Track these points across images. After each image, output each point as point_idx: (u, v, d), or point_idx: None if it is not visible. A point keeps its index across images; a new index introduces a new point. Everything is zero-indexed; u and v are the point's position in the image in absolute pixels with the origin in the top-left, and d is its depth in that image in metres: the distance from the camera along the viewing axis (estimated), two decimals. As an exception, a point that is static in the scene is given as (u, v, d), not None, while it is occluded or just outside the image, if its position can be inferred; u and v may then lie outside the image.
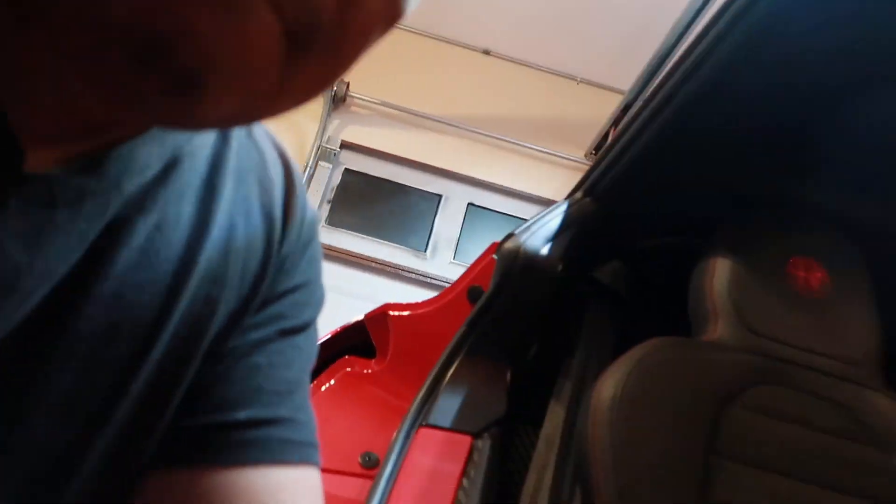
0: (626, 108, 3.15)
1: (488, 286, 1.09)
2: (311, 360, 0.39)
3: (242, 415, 0.34)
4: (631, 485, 0.71)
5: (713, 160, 1.01)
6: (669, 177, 1.03)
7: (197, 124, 0.24)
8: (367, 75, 3.50)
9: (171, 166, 0.31)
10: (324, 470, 0.38)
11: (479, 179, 3.49)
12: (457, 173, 3.48)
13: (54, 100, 0.23)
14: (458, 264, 3.31)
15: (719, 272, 0.93)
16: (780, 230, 0.97)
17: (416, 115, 3.50)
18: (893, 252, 1.04)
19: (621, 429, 0.74)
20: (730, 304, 0.89)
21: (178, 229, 0.31)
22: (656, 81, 0.92)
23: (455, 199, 3.48)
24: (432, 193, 3.47)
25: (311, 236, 0.41)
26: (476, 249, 1.18)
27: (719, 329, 0.88)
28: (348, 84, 3.45)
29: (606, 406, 0.76)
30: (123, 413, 0.30)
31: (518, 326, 1.08)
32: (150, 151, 0.29)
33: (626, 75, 3.13)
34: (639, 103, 0.95)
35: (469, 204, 3.48)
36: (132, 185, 0.28)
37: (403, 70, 3.59)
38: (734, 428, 0.79)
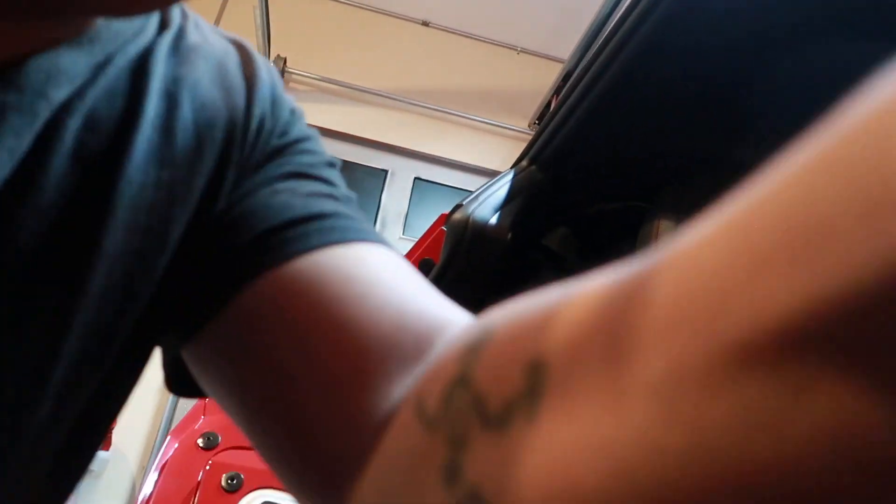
0: (566, 77, 3.18)
1: (439, 258, 1.09)
2: (347, 194, 0.37)
3: (283, 219, 0.32)
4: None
5: (654, 124, 1.02)
6: (612, 142, 1.05)
7: None
8: (304, 51, 3.42)
9: (101, 66, 0.29)
10: None
11: (424, 153, 3.47)
12: (402, 148, 3.45)
13: None
14: (408, 239, 3.30)
15: (663, 234, 0.95)
16: (720, 191, 1.00)
17: (357, 90, 3.45)
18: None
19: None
20: (675, 264, 0.92)
21: (110, 123, 0.30)
22: (595, 49, 0.92)
23: (401, 174, 3.45)
24: (378, 169, 3.44)
25: (291, 104, 0.39)
26: (425, 223, 1.18)
27: (665, 289, 0.90)
28: (285, 60, 3.36)
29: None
30: (82, 319, 0.28)
31: (470, 296, 1.09)
32: (77, 59, 0.28)
33: (566, 44, 3.14)
34: (579, 71, 0.95)
35: (416, 178, 3.47)
36: (60, 93, 0.27)
37: (342, 44, 3.52)
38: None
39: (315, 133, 0.40)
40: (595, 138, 1.02)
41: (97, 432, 0.33)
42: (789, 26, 0.82)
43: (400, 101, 3.48)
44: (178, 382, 0.36)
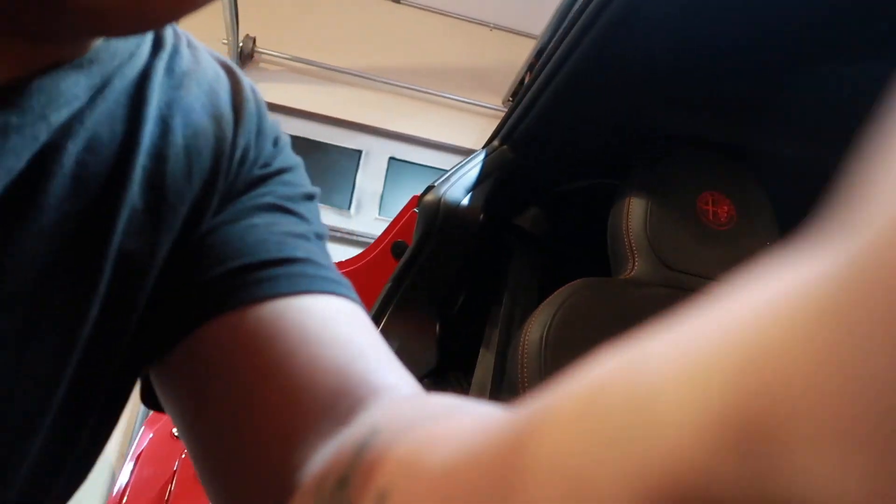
0: (540, 53, 3.16)
1: (412, 240, 1.09)
2: (319, 231, 0.38)
3: (256, 258, 0.33)
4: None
5: (624, 102, 1.02)
6: (582, 120, 1.05)
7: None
8: (274, 30, 3.36)
9: (99, 90, 0.30)
10: None
11: (399, 133, 3.44)
12: (376, 127, 3.42)
13: None
14: (384, 220, 3.29)
15: (634, 211, 0.96)
16: (689, 167, 1.01)
17: (328, 69, 3.40)
18: (792, 180, 1.10)
19: (549, 369, 0.77)
20: (645, 242, 0.93)
21: (110, 148, 0.30)
22: (563, 28, 0.91)
23: (376, 154, 3.43)
24: (352, 150, 3.41)
25: (276, 133, 0.40)
26: (401, 204, 1.18)
27: (637, 266, 0.91)
28: (255, 39, 3.30)
29: (533, 349, 0.78)
30: (81, 348, 0.30)
31: (444, 278, 1.09)
32: (77, 81, 0.28)
33: (539, 20, 3.12)
34: (548, 51, 0.95)
35: (390, 158, 3.44)
36: (60, 115, 0.28)
37: (312, 23, 3.46)
38: (654, 359, 0.82)
39: (298, 163, 0.41)
40: (565, 117, 1.02)
41: (96, 444, 0.34)
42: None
43: (373, 79, 3.44)
44: (151, 396, 0.37)
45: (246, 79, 0.40)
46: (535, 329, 0.80)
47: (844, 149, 1.04)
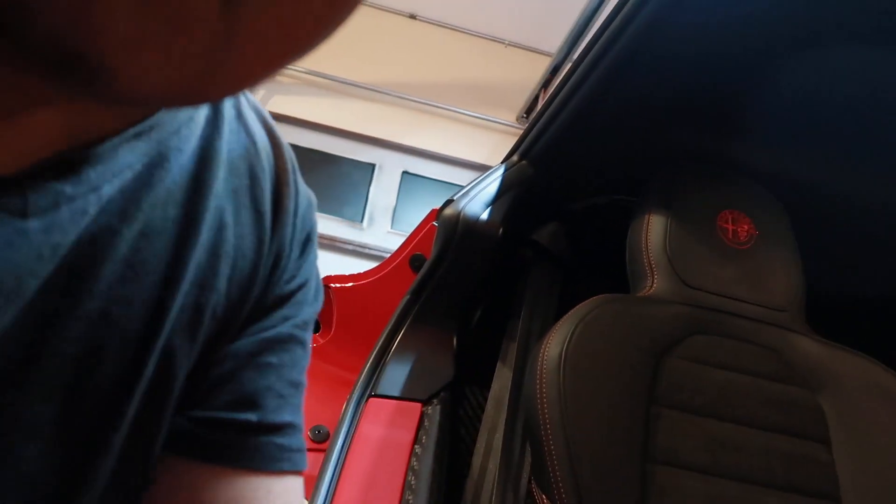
0: (555, 70, 3.18)
1: (430, 253, 1.09)
2: (309, 358, 0.39)
3: (254, 417, 0.34)
4: (579, 439, 0.74)
5: (643, 120, 1.03)
6: (602, 137, 1.05)
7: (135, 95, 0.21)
8: (291, 43, 3.40)
9: (155, 164, 0.28)
10: None
11: (412, 147, 3.46)
12: (389, 141, 3.44)
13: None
14: (396, 233, 3.30)
15: (653, 229, 0.96)
16: (709, 186, 1.01)
17: (344, 83, 3.43)
18: (814, 202, 1.10)
19: (567, 385, 0.77)
20: (664, 259, 0.93)
21: (165, 234, 0.28)
22: (584, 42, 0.92)
23: (389, 168, 3.45)
24: (365, 163, 3.43)
25: (309, 228, 0.39)
26: (413, 217, 1.18)
27: (655, 283, 0.91)
28: (272, 53, 3.33)
29: (552, 364, 0.78)
30: (120, 437, 0.28)
31: (462, 292, 1.09)
32: (133, 149, 0.26)
33: (554, 37, 3.14)
34: (567, 65, 0.96)
35: (404, 172, 3.46)
36: (111, 187, 0.26)
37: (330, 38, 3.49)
38: (672, 377, 0.82)
39: (314, 270, 0.40)
40: (584, 133, 1.02)
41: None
42: (780, 34, 0.82)
43: (387, 94, 3.47)
44: None
45: (288, 149, 0.38)
46: (554, 344, 0.80)
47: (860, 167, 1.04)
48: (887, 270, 1.17)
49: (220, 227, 0.31)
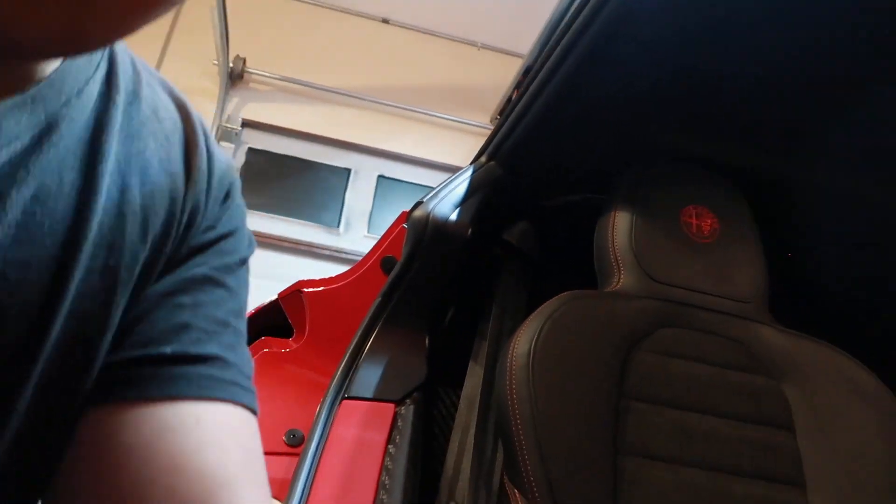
0: (527, 72, 3.20)
1: (401, 256, 1.10)
2: (242, 302, 0.38)
3: (168, 349, 0.33)
4: (549, 434, 0.74)
5: (611, 116, 1.04)
6: (569, 135, 1.06)
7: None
8: (264, 50, 3.39)
9: (45, 133, 0.28)
10: None
11: (387, 151, 3.46)
12: (365, 146, 3.44)
13: None
14: (373, 237, 3.30)
15: (619, 225, 0.97)
16: (673, 182, 1.03)
17: (318, 88, 3.43)
18: (778, 195, 1.12)
19: (537, 382, 0.77)
20: (631, 255, 0.94)
21: (62, 199, 0.29)
22: (550, 44, 0.93)
23: (364, 172, 3.44)
24: (341, 168, 3.43)
25: (227, 184, 0.39)
26: (390, 221, 1.18)
27: (622, 279, 0.93)
28: (245, 60, 3.32)
29: (521, 361, 0.79)
30: (24, 400, 0.28)
31: (433, 293, 1.10)
32: (18, 120, 0.27)
33: (526, 39, 3.17)
34: (535, 67, 0.97)
35: (379, 176, 3.46)
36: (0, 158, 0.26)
37: (302, 43, 3.49)
38: (640, 370, 0.84)
39: (241, 223, 0.41)
40: (551, 132, 1.04)
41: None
42: (744, 15, 0.84)
43: (361, 99, 3.47)
44: None
45: (198, 117, 0.39)
46: (522, 342, 0.81)
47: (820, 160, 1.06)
48: (851, 261, 1.20)
49: (122, 189, 0.32)
